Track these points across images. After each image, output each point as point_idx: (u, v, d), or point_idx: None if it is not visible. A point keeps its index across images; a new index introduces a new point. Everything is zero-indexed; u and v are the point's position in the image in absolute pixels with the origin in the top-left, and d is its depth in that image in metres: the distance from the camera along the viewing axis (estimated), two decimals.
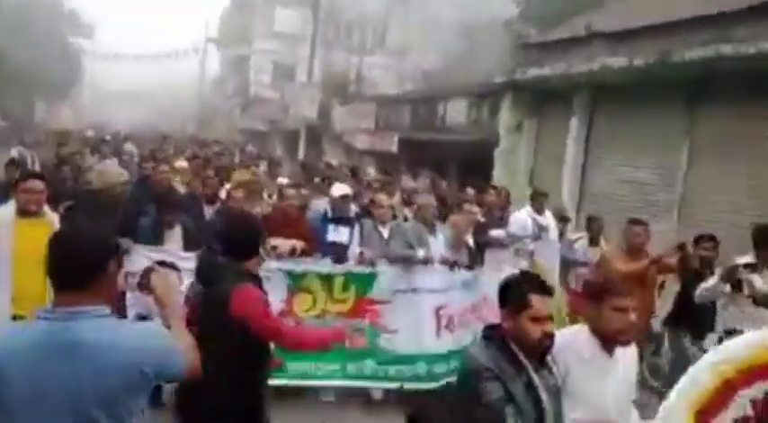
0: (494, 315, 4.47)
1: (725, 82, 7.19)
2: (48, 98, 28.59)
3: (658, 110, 8.03)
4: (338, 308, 4.61)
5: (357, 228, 5.04)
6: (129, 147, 13.38)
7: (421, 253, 4.81)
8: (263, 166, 10.86)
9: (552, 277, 5.39)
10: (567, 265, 6.05)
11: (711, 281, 4.09)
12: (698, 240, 4.77)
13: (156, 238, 4.40)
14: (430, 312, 4.78)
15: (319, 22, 22.43)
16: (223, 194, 5.87)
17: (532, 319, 2.05)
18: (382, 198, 5.35)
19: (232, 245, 2.71)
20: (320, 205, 5.67)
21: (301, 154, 19.42)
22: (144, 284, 2.04)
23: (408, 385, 4.70)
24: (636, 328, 4.04)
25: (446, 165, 12.67)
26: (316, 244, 4.86)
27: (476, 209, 6.04)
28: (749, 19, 6.68)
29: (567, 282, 5.87)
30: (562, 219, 6.51)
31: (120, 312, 3.76)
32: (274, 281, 4.22)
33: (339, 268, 4.66)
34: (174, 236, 4.48)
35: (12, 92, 20.99)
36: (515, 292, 2.11)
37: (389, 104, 16.43)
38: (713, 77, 7.28)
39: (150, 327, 1.88)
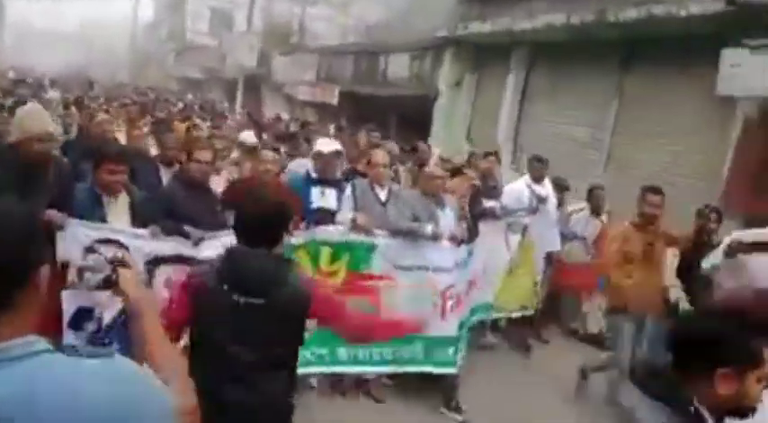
0: (480, 292, 4.61)
1: (656, 43, 7.41)
2: None
3: (593, 69, 8.23)
4: (327, 282, 3.83)
5: (349, 191, 4.28)
6: (53, 93, 12.24)
7: (429, 228, 4.15)
8: (207, 120, 10.10)
9: (539, 254, 5.20)
10: (563, 238, 5.67)
11: (715, 256, 3.85)
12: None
13: (95, 210, 3.41)
14: (438, 294, 4.19)
15: None
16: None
17: (758, 380, 1.52)
18: (380, 155, 4.53)
19: (269, 230, 2.09)
20: (298, 166, 5.05)
21: (239, 104, 18.87)
22: (110, 282, 1.57)
23: (405, 369, 4.18)
24: (652, 307, 4.17)
25: (387, 118, 12.63)
26: (298, 212, 4.12)
27: (473, 174, 5.45)
28: None
29: (560, 255, 5.62)
30: (561, 188, 6.03)
31: (55, 322, 3.11)
32: None
33: (323, 234, 3.92)
34: (120, 206, 3.52)
35: None
36: (741, 347, 1.50)
37: (331, 56, 16.11)
38: (645, 38, 7.49)
39: (118, 364, 1.08)
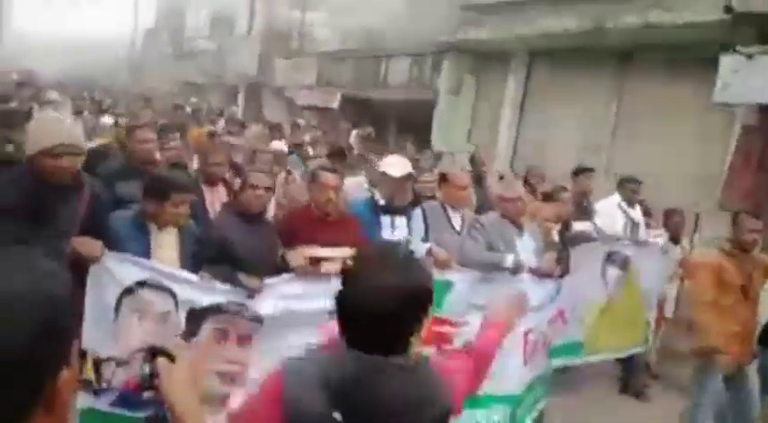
0: (559, 333, 3.71)
1: (655, 50, 7.49)
2: None
3: (592, 74, 8.31)
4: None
5: (418, 216, 3.70)
6: (53, 95, 12.10)
7: (510, 259, 3.52)
8: (221, 124, 9.56)
9: (651, 297, 4.37)
10: None
11: None
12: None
13: (139, 242, 2.82)
14: (519, 337, 3.45)
15: None
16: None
17: None
18: (461, 175, 3.83)
19: (402, 328, 1.34)
20: (356, 188, 4.50)
21: (240, 109, 18.92)
22: (150, 380, 1.18)
23: None
24: (741, 355, 3.56)
25: (387, 122, 12.70)
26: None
27: (567, 196, 4.61)
28: None
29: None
30: (644, 212, 5.31)
31: None
32: (316, 314, 2.86)
33: None
34: (167, 240, 2.92)
35: None
36: None
37: (332, 61, 16.17)
38: (643, 45, 7.56)
39: None
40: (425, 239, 3.61)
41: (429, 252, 3.42)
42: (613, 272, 4.12)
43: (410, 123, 11.51)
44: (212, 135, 6.65)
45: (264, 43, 19.65)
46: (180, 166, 4.25)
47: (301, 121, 11.43)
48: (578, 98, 8.48)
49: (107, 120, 6.39)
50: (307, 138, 8.43)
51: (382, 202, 3.78)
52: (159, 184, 2.88)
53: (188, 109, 12.40)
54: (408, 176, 3.88)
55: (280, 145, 6.31)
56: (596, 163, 8.19)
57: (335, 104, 14.05)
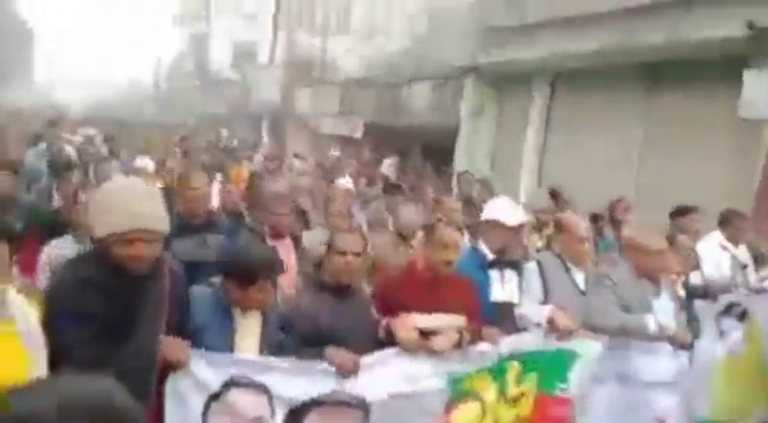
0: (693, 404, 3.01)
1: (680, 66, 7.41)
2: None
3: (617, 93, 8.23)
4: (512, 415, 2.83)
5: (533, 272, 3.18)
6: (89, 131, 11.32)
7: (652, 322, 2.98)
8: (257, 158, 9.28)
9: None
10: None
11: None
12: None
13: (222, 330, 2.43)
14: (651, 421, 2.97)
15: (281, 1, 22.10)
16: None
17: None
18: (580, 225, 3.29)
19: None
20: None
21: (265, 138, 19.22)
22: None
23: None
24: None
25: (410, 149, 12.74)
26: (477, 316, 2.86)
27: (685, 241, 3.95)
28: (707, 4, 6.88)
29: None
30: (756, 256, 4.57)
31: None
32: (427, 397, 2.60)
33: (511, 345, 2.81)
34: (252, 325, 2.51)
35: None
36: None
37: (353, 88, 16.35)
38: (671, 62, 7.49)
39: None
40: (544, 299, 3.07)
41: (551, 319, 2.88)
42: (731, 325, 3.39)
43: (434, 149, 11.53)
44: (258, 176, 6.34)
45: (287, 72, 20.00)
46: (236, 215, 3.94)
47: (336, 153, 10.92)
48: (604, 118, 8.40)
49: (146, 162, 5.91)
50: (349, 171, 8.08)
51: (490, 255, 3.17)
52: (244, 267, 2.43)
53: (220, 144, 12.25)
54: (521, 226, 3.36)
55: (346, 184, 5.74)
56: (625, 183, 8.10)
57: (359, 133, 14.16)
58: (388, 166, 9.38)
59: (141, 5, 55.46)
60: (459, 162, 10.59)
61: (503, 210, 3.36)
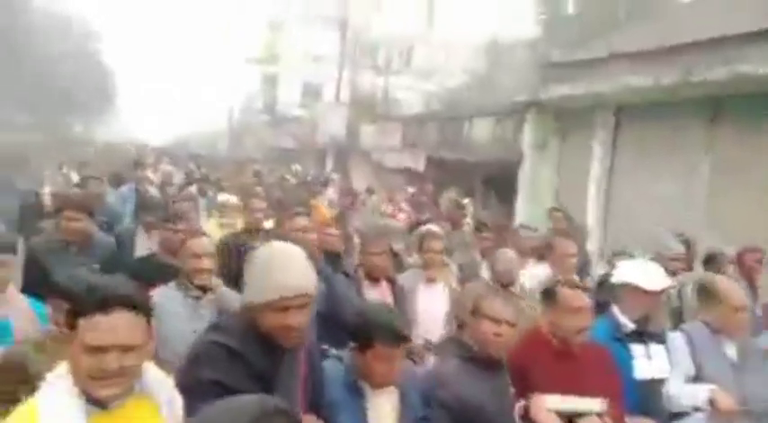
0: None
1: (744, 100, 7.32)
2: (84, 114, 29.54)
3: (680, 128, 8.17)
4: None
5: (681, 342, 2.77)
6: (168, 167, 11.67)
7: None
8: (330, 192, 9.28)
9: None
10: None
11: None
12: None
13: (352, 408, 2.18)
14: None
15: (347, 42, 23.04)
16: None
17: None
18: (738, 290, 2.83)
19: None
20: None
21: (329, 171, 19.88)
22: None
23: None
24: None
25: (471, 183, 12.89)
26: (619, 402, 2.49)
27: None
28: (766, 39, 6.84)
29: None
30: None
31: None
32: None
33: None
34: (385, 402, 2.22)
35: (50, 108, 21.76)
36: None
37: (416, 123, 16.75)
38: (733, 96, 7.42)
39: None
40: (696, 375, 2.64)
41: (712, 400, 2.48)
42: None
43: (495, 183, 11.64)
44: (342, 215, 6.32)
45: (352, 109, 20.73)
46: (334, 257, 3.71)
47: (411, 189, 10.41)
48: (669, 152, 8.34)
49: (230, 199, 5.89)
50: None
51: (630, 325, 2.77)
52: (364, 329, 2.17)
53: (292, 179, 12.29)
54: (665, 289, 2.94)
55: (438, 228, 5.22)
56: (693, 219, 7.98)
57: (421, 166, 14.46)
58: (446, 200, 9.54)
59: (217, 49, 59.08)
60: (523, 196, 10.67)
61: (642, 272, 2.88)
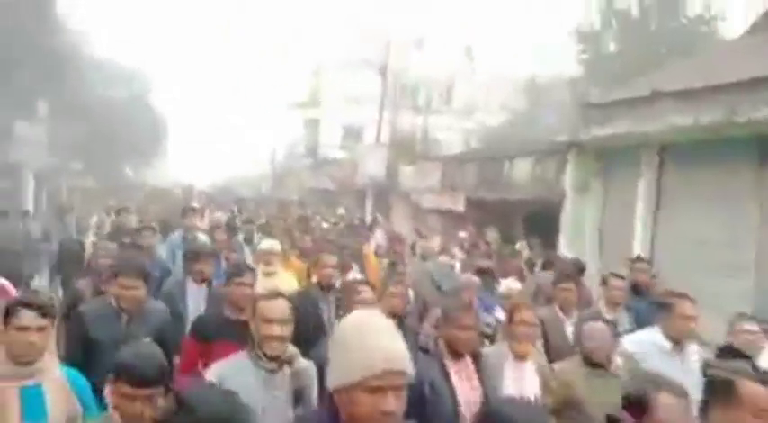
0: None
1: None
2: (135, 160, 30.68)
3: (727, 168, 7.90)
4: None
5: None
6: (217, 216, 11.41)
7: None
8: (378, 236, 8.89)
9: None
10: None
11: None
12: None
13: None
14: None
15: (387, 84, 23.47)
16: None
17: None
18: None
19: None
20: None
21: (368, 212, 20.00)
22: None
23: None
24: None
25: (512, 223, 12.72)
26: None
27: None
28: None
29: None
30: None
31: None
32: None
33: None
34: None
35: (103, 154, 22.63)
36: None
37: (455, 164, 16.76)
38: None
39: None
40: None
41: None
42: None
43: (536, 224, 11.45)
44: (395, 266, 6.09)
45: (391, 150, 20.94)
46: (399, 321, 3.31)
47: (463, 234, 9.82)
48: (717, 193, 8.04)
49: (273, 246, 5.65)
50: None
51: None
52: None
53: (340, 224, 11.90)
54: None
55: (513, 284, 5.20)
56: (743, 261, 7.62)
57: (460, 207, 14.39)
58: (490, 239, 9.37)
59: (261, 95, 61.41)
60: (566, 237, 10.44)
61: None
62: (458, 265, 7.20)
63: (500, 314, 4.67)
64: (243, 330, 2.82)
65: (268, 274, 5.31)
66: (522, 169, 12.85)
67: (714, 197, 8.13)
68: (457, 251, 8.74)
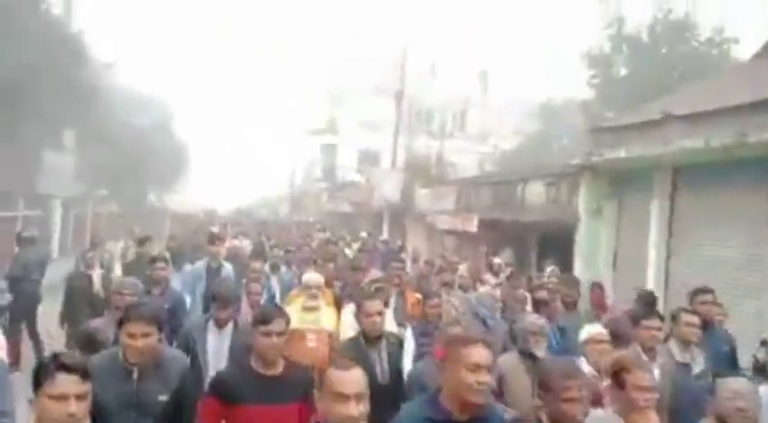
0: None
1: None
2: (158, 185, 31.16)
3: (740, 189, 7.96)
4: None
5: None
6: (236, 242, 11.00)
7: None
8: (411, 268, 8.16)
9: None
10: None
11: None
12: None
13: None
14: None
15: (402, 109, 23.86)
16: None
17: None
18: None
19: None
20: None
21: (385, 233, 20.20)
22: None
23: None
24: None
25: (526, 245, 12.80)
26: None
27: None
28: None
29: None
30: None
31: None
32: None
33: None
34: None
35: (127, 181, 23.08)
36: None
37: (469, 186, 16.92)
38: None
39: None
40: None
41: None
42: None
43: (550, 246, 11.53)
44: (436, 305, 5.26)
45: (407, 173, 21.22)
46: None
47: (498, 260, 9.64)
48: (731, 215, 8.09)
49: (314, 278, 5.33)
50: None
51: None
52: None
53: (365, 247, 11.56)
54: None
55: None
56: (758, 282, 7.64)
57: (474, 228, 14.51)
58: (497, 265, 9.39)
59: (279, 121, 62.62)
60: (580, 259, 10.50)
61: None
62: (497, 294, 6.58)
63: (583, 365, 3.58)
64: (273, 387, 2.69)
65: (310, 309, 5.05)
66: (535, 192, 12.97)
67: (727, 218, 8.18)
68: (489, 277, 8.50)
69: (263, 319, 3.04)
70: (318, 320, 5.05)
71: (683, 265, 8.97)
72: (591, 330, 3.98)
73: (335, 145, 30.81)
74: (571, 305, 5.91)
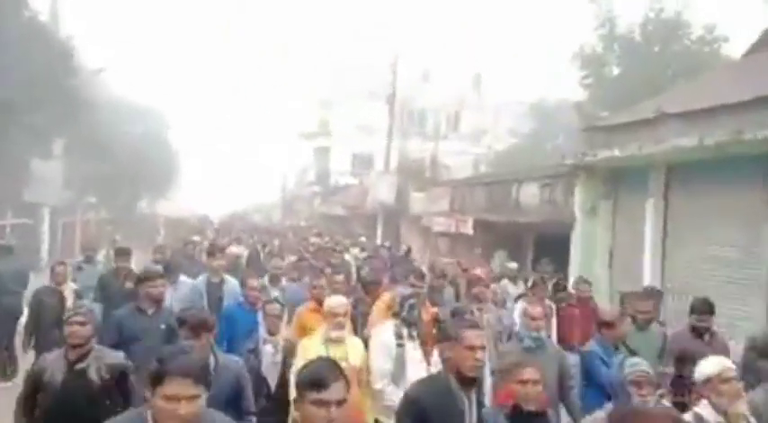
0: None
1: None
2: (150, 192, 31.06)
3: (734, 187, 7.93)
4: None
5: None
6: (235, 250, 10.26)
7: None
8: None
9: None
10: None
11: None
12: None
13: None
14: None
15: (395, 112, 23.82)
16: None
17: None
18: None
19: None
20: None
21: (379, 236, 20.11)
22: None
23: None
24: None
25: (522, 246, 12.73)
26: None
27: None
28: None
29: None
30: None
31: None
32: None
33: None
34: None
35: (116, 189, 22.91)
36: None
37: (463, 187, 16.86)
38: None
39: None
40: None
41: None
42: None
43: (546, 246, 11.46)
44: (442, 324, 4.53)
45: (401, 176, 21.13)
46: (471, 384, 2.91)
47: (512, 265, 9.17)
48: (726, 212, 8.05)
49: (339, 302, 4.53)
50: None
51: None
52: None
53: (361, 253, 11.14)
54: None
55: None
56: (754, 279, 7.59)
57: (469, 230, 14.44)
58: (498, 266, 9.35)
59: (271, 125, 62.63)
60: (576, 259, 10.44)
61: None
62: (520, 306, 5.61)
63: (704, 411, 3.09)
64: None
65: (336, 342, 4.21)
66: (530, 192, 12.91)
67: (722, 216, 8.14)
68: (508, 283, 8.28)
69: (316, 383, 2.11)
70: (345, 355, 4.07)
71: (678, 263, 8.93)
72: (716, 364, 3.10)
73: (328, 148, 30.72)
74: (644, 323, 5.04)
